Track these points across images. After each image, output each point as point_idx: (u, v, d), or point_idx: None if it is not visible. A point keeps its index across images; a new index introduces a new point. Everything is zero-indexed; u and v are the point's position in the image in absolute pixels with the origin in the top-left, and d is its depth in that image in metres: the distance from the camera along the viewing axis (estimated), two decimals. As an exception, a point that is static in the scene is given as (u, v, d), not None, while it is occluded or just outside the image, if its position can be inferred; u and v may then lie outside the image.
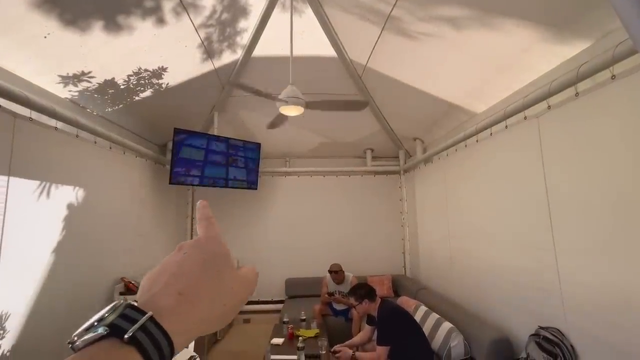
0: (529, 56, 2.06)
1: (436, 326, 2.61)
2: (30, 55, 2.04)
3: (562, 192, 1.88)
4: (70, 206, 2.38)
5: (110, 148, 2.87)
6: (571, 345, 1.81)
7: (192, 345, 2.27)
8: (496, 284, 2.51)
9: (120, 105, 2.94)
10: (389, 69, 3.11)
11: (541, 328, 1.98)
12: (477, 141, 2.74)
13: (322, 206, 4.76)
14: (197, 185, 3.93)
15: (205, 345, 3.19)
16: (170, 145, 3.79)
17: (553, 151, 1.95)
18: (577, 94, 1.73)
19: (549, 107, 1.93)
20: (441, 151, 3.38)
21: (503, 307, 2.44)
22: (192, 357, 1.79)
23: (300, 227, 4.70)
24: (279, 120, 3.03)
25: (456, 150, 3.12)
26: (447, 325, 2.54)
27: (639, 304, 1.45)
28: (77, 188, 2.45)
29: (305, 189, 4.79)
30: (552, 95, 1.86)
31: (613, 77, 1.53)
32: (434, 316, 2.74)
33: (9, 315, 1.88)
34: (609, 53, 1.49)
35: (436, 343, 2.51)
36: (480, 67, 2.43)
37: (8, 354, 1.85)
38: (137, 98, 2.96)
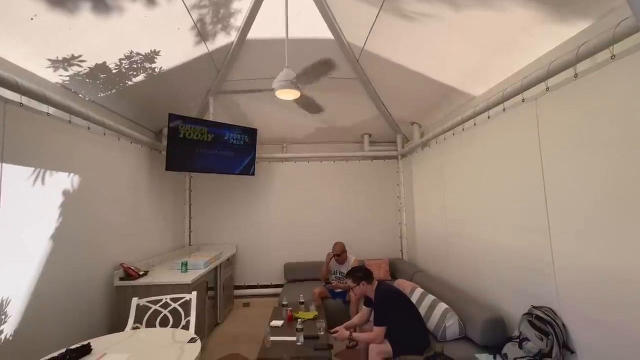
0: (528, 37, 2.03)
1: (432, 307, 2.67)
2: (18, 38, 1.98)
3: (558, 174, 1.88)
4: (66, 192, 2.37)
5: (105, 134, 2.84)
6: (563, 324, 1.86)
7: (192, 327, 2.32)
8: (491, 266, 2.56)
9: (113, 91, 2.89)
10: (387, 52, 3.06)
11: (534, 307, 2.02)
12: (474, 124, 2.72)
13: (320, 192, 4.77)
14: (194, 172, 3.91)
15: (206, 328, 3.25)
16: (165, 131, 3.75)
17: (550, 134, 1.94)
18: (576, 75, 1.71)
19: (547, 88, 1.91)
20: (438, 135, 3.36)
21: (497, 288, 2.49)
22: (192, 338, 1.82)
23: (298, 213, 4.72)
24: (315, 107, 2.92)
25: (453, 134, 3.11)
26: (442, 306, 2.60)
27: (630, 284, 1.48)
28: (72, 174, 2.44)
29: (302, 175, 4.78)
30: (551, 77, 1.83)
31: (613, 57, 1.51)
32: (430, 297, 2.80)
33: (9, 301, 1.90)
34: (609, 32, 1.46)
35: (432, 323, 2.57)
36: (479, 48, 2.39)
37: (10, 337, 1.88)
38: (129, 83, 2.90)
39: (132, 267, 2.94)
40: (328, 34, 3.16)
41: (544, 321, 1.89)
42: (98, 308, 2.69)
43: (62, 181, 2.35)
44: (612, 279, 1.57)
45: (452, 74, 2.87)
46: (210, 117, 3.90)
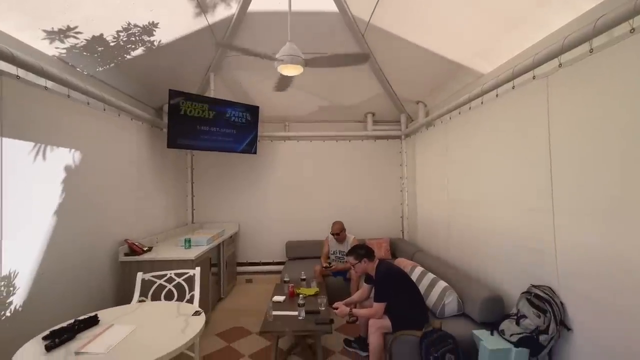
0: (544, 10, 1.93)
1: (431, 285, 2.71)
2: (11, 7, 1.91)
3: (566, 154, 1.85)
4: (68, 168, 2.36)
5: (105, 110, 2.79)
6: (561, 302, 1.88)
7: (197, 301, 2.37)
8: (492, 246, 2.57)
9: (112, 65, 2.82)
10: (394, 26, 2.94)
11: (533, 286, 2.05)
12: (482, 103, 2.66)
13: (322, 171, 4.76)
14: (195, 150, 3.89)
15: (210, 302, 3.33)
16: (166, 108, 3.70)
17: (560, 112, 1.89)
18: (591, 50, 1.64)
19: (560, 65, 1.84)
20: (444, 114, 3.30)
21: (498, 267, 2.51)
22: (197, 311, 1.86)
23: (300, 192, 4.73)
24: (285, 83, 2.91)
25: (459, 113, 3.05)
26: (442, 284, 2.64)
27: (631, 266, 1.48)
28: (73, 150, 2.42)
29: (304, 154, 4.75)
30: (565, 52, 1.76)
31: (632, 30, 1.44)
32: (430, 276, 2.84)
33: (17, 274, 1.93)
34: (630, 3, 1.39)
35: (431, 300, 2.62)
36: (492, 22, 2.29)
37: (20, 309, 1.93)
38: (128, 57, 2.82)
39: (136, 243, 2.98)
40: (333, 7, 3.04)
41: (543, 299, 1.92)
42: (104, 282, 2.75)
43: (64, 157, 2.34)
44: (612, 260, 1.57)
45: (461, 50, 2.78)
46: (212, 94, 3.82)
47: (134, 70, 3.08)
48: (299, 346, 2.74)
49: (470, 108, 2.85)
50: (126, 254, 2.90)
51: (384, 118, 4.74)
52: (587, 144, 1.71)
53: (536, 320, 1.90)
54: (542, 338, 1.86)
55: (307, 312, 2.53)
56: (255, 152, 4.25)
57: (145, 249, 3.01)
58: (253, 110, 4.10)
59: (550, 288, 1.96)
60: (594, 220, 1.67)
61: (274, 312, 2.56)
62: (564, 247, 1.87)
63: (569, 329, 1.83)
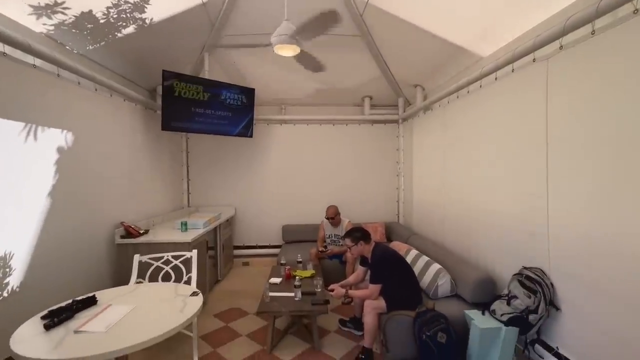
0: (547, -11, 1.89)
1: (425, 267, 2.76)
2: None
3: (563, 138, 1.85)
4: (60, 149, 2.32)
5: (96, 90, 2.73)
6: (551, 283, 1.93)
7: (194, 282, 2.40)
8: (487, 230, 2.61)
9: (102, 43, 2.73)
10: (393, 7, 2.87)
11: (525, 268, 2.09)
12: (480, 86, 2.63)
13: (319, 155, 4.74)
14: (190, 132, 3.84)
15: (207, 284, 3.37)
16: (160, 89, 3.62)
17: (559, 96, 1.88)
18: (593, 32, 1.62)
19: (561, 47, 1.82)
20: (442, 98, 3.27)
21: (491, 250, 2.55)
22: (194, 292, 1.88)
23: (297, 176, 4.72)
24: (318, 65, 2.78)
25: (458, 97, 3.02)
26: (436, 266, 2.69)
27: (620, 247, 1.51)
28: (65, 131, 2.37)
29: (301, 138, 4.72)
30: (567, 34, 1.73)
31: (636, 11, 1.41)
32: (424, 258, 2.89)
33: (12, 255, 1.93)
34: (635, -17, 1.36)
35: (424, 282, 2.67)
36: (493, 2, 2.23)
37: (17, 289, 1.94)
38: (119, 35, 2.73)
39: (133, 226, 2.98)
40: (331, -15, 2.95)
41: (533, 281, 1.96)
42: (101, 264, 2.76)
43: (56, 137, 2.30)
44: (603, 243, 1.60)
45: (461, 32, 2.72)
46: (206, 75, 3.74)
47: (126, 50, 2.99)
48: (295, 326, 2.80)
49: (468, 92, 2.83)
50: (122, 237, 2.90)
51: (382, 102, 4.69)
52: (584, 128, 1.71)
53: (526, 301, 1.95)
54: (532, 317, 1.92)
55: (303, 293, 2.58)
56: (251, 136, 4.21)
57: (141, 231, 3.01)
58: (249, 93, 4.03)
59: (541, 269, 2.00)
60: (588, 204, 1.69)
61: (271, 294, 2.61)
62: (556, 230, 1.90)
63: (557, 309, 1.89)
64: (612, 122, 1.56)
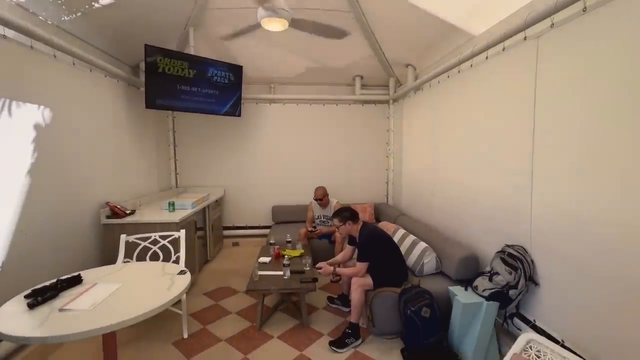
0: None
1: (412, 246, 2.82)
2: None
3: (550, 118, 1.86)
4: (38, 126, 2.23)
5: (74, 64, 2.60)
6: (532, 260, 2.00)
7: (182, 262, 2.40)
8: (473, 209, 2.65)
9: (79, 14, 2.58)
10: (385, -20, 2.77)
11: (507, 246, 2.15)
12: (471, 66, 2.61)
13: (308, 135, 4.69)
14: (175, 110, 3.73)
15: (197, 264, 3.38)
16: (143, 65, 3.48)
17: (548, 75, 1.87)
18: (584, 9, 1.60)
19: (552, 25, 1.80)
20: (433, 77, 3.23)
21: (476, 229, 2.61)
22: (182, 271, 1.88)
23: (286, 156, 4.69)
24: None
25: (448, 76, 2.99)
26: (422, 245, 2.74)
27: (598, 224, 1.56)
28: (42, 107, 2.27)
29: (291, 118, 4.64)
30: (559, 11, 1.71)
31: (627, -13, 1.39)
32: (411, 237, 2.94)
33: (-8, 234, 1.88)
34: (629, -43, 1.33)
35: (411, 260, 2.73)
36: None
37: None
38: (97, 5, 2.58)
39: (118, 206, 2.93)
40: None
41: (515, 258, 2.03)
42: (87, 244, 2.73)
43: (32, 113, 2.20)
44: (583, 220, 1.65)
45: (454, 9, 2.66)
46: (191, 51, 3.60)
47: (105, 22, 2.83)
48: (284, 304, 2.86)
49: (459, 71, 2.80)
50: (108, 217, 2.86)
51: (373, 82, 4.62)
52: (571, 107, 1.72)
53: (507, 277, 2.02)
54: (512, 292, 1.99)
55: (292, 272, 2.61)
56: (239, 115, 4.12)
57: (127, 211, 2.97)
58: (236, 70, 3.92)
59: (523, 247, 2.06)
60: (570, 183, 1.73)
61: (260, 272, 2.63)
62: (539, 208, 1.95)
63: (536, 284, 1.96)
64: (598, 103, 1.57)
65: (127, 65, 3.58)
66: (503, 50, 2.21)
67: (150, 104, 3.35)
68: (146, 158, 3.82)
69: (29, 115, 2.17)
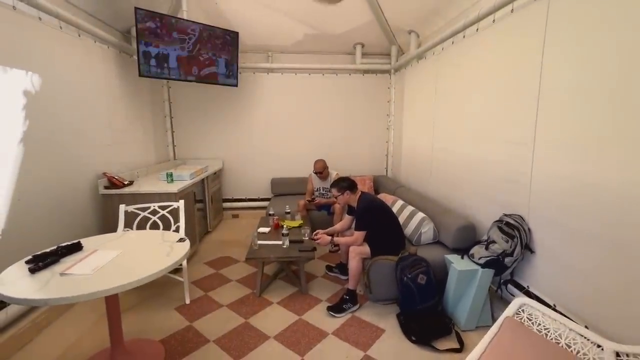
0: None
1: (410, 216, 2.83)
2: None
3: (556, 84, 1.80)
4: (27, 93, 2.16)
5: (61, 28, 2.48)
6: (528, 228, 2.01)
7: (182, 230, 2.42)
8: (472, 180, 2.64)
9: (62, -28, 2.42)
10: None
11: (505, 215, 2.16)
12: (477, 30, 2.49)
13: (307, 106, 4.59)
14: (170, 80, 3.62)
15: (197, 235, 3.42)
16: (134, 31, 3.33)
17: (557, 38, 1.79)
18: (601, -37, 1.49)
19: (565, -18, 1.69)
20: (437, 44, 3.11)
21: (475, 199, 2.61)
22: (181, 238, 1.90)
23: (285, 127, 4.61)
24: None
25: (453, 42, 2.88)
26: (420, 215, 2.76)
27: (597, 191, 1.55)
28: (30, 73, 2.19)
29: (289, 88, 4.52)
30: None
31: (649, -64, 1.29)
32: (409, 208, 2.95)
33: (-11, 202, 1.87)
34: None
35: (409, 230, 2.76)
36: None
37: (-1, 236, 1.92)
38: (81, -38, 2.42)
39: (116, 177, 2.91)
40: None
41: (512, 226, 2.04)
42: (86, 213, 2.74)
43: (21, 79, 2.12)
44: (582, 188, 1.64)
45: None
46: (184, 16, 3.44)
47: (91, -19, 2.68)
48: (283, 272, 2.92)
49: (464, 37, 2.69)
50: (106, 187, 2.85)
51: (374, 50, 4.46)
52: (579, 72, 1.66)
53: (504, 245, 2.04)
54: (507, 260, 2.03)
55: (291, 242, 2.64)
56: (236, 85, 4.00)
57: (126, 182, 2.96)
58: (233, 37, 3.76)
59: (520, 216, 2.07)
60: (572, 151, 1.70)
61: (259, 242, 2.66)
62: (539, 177, 1.93)
63: (532, 252, 1.99)
64: (606, 71, 1.51)
65: (118, 31, 3.43)
66: (512, 11, 2.10)
67: (143, 72, 3.24)
68: (142, 129, 3.76)
69: (17, 81, 2.10)
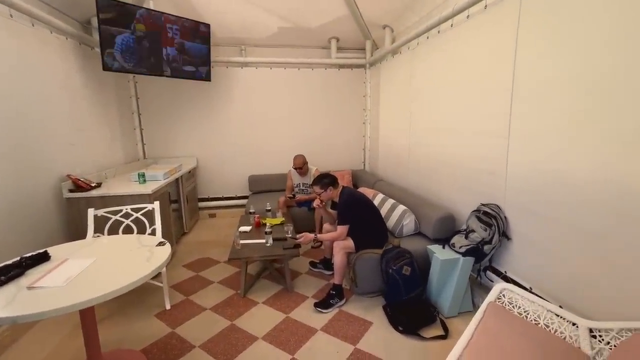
0: None
1: (392, 209, 2.88)
2: None
3: (529, 77, 1.88)
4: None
5: (11, 16, 2.25)
6: (505, 217, 2.11)
7: (159, 233, 2.30)
8: (449, 172, 2.73)
9: (10, -46, 2.18)
10: None
11: (483, 205, 2.25)
12: (451, 26, 2.56)
13: (283, 101, 4.52)
14: (138, 74, 3.41)
15: (174, 236, 3.28)
16: (95, 21, 3.09)
17: (529, 33, 1.87)
18: (570, -38, 1.57)
19: (536, -20, 1.76)
20: (412, 40, 3.16)
21: (452, 190, 2.70)
22: (161, 242, 1.80)
23: (262, 123, 4.52)
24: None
25: (427, 37, 2.93)
26: (401, 208, 2.81)
27: (570, 179, 1.65)
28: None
29: (264, 82, 4.42)
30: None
31: (614, -62, 1.37)
32: (390, 201, 3.00)
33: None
34: None
35: (391, 223, 2.80)
36: None
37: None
38: (32, -56, 2.20)
39: (81, 179, 2.71)
40: None
41: (490, 215, 2.13)
42: (50, 220, 2.53)
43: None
44: (555, 176, 1.73)
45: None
46: (151, 6, 3.24)
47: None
48: (267, 271, 2.87)
49: (439, 32, 2.74)
50: (71, 190, 2.64)
51: (349, 45, 4.46)
52: (550, 68, 1.74)
53: (482, 234, 2.13)
54: (486, 248, 2.11)
55: (274, 240, 2.60)
56: (209, 79, 3.85)
57: (93, 184, 2.76)
58: (204, 29, 3.59)
59: (497, 205, 2.16)
60: (545, 141, 1.79)
61: (242, 241, 2.60)
62: (513, 167, 2.03)
63: (509, 239, 2.09)
64: (577, 64, 1.59)
65: (77, 21, 3.16)
66: (485, 7, 2.17)
67: (107, 65, 3.02)
68: (109, 127, 3.52)
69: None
